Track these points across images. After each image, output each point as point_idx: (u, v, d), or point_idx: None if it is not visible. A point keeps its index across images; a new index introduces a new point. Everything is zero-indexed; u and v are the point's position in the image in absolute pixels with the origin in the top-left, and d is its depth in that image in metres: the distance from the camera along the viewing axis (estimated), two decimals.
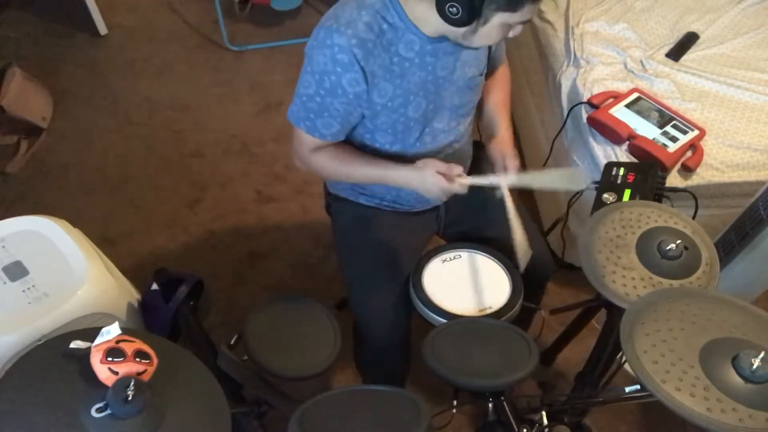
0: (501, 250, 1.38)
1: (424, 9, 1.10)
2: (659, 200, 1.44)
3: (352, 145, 1.32)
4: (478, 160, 1.48)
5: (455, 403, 1.21)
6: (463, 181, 1.19)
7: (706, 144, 1.74)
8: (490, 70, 1.41)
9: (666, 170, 1.65)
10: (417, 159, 1.30)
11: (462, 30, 1.09)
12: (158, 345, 0.96)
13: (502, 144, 1.33)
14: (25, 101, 2.36)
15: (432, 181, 1.17)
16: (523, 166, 2.31)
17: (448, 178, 1.17)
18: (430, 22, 1.12)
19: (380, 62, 1.14)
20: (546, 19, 2.16)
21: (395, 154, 1.31)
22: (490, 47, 1.31)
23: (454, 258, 1.38)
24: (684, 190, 1.47)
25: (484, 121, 1.42)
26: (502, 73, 1.47)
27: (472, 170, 1.46)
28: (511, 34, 1.12)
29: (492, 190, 1.25)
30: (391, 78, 1.17)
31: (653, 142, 1.69)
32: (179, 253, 2.13)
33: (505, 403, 1.19)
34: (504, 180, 1.23)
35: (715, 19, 2.10)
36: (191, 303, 1.49)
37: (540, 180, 1.28)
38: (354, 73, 1.13)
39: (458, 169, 1.18)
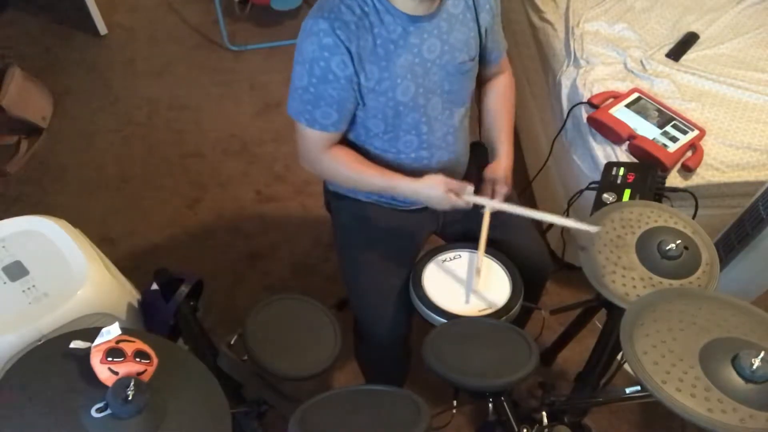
0: (501, 250, 1.38)
1: None
2: (659, 200, 1.44)
3: (361, 152, 1.33)
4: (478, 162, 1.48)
5: (455, 403, 1.21)
6: (470, 199, 1.26)
7: (706, 144, 1.74)
8: (488, 67, 1.41)
9: (666, 170, 1.65)
10: (413, 154, 1.31)
11: None
12: (158, 345, 0.96)
13: (497, 170, 1.38)
14: (25, 101, 2.36)
15: (443, 196, 1.23)
16: (524, 167, 2.35)
17: (458, 194, 1.24)
18: None
19: (364, 44, 1.17)
20: (546, 19, 2.16)
21: (390, 146, 1.31)
22: (479, 30, 1.30)
23: (454, 258, 1.37)
24: (684, 190, 1.47)
25: (487, 142, 1.45)
26: (508, 86, 1.48)
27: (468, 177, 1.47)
28: None
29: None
30: (376, 60, 1.19)
31: (653, 142, 1.69)
32: (179, 253, 2.13)
33: (505, 403, 1.19)
34: (490, 204, 1.29)
35: (715, 19, 2.10)
36: (191, 303, 1.49)
37: (540, 216, 1.26)
38: (341, 55, 1.15)
39: (470, 189, 1.25)
